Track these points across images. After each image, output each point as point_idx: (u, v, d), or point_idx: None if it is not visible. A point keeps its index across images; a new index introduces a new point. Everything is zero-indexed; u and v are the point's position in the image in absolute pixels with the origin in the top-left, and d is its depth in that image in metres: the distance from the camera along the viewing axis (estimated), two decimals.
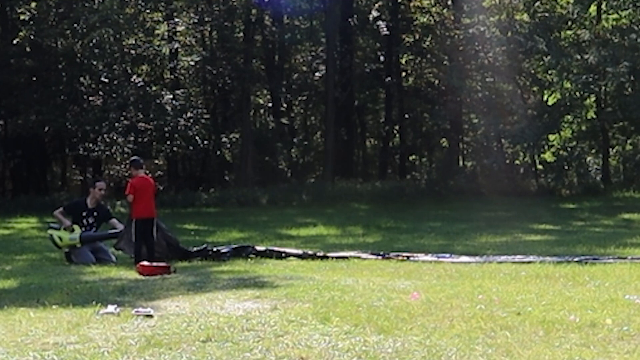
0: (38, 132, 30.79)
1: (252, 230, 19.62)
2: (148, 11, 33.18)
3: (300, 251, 13.15)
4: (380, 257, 12.42)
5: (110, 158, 33.68)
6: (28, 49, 30.80)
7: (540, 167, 34.76)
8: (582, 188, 31.57)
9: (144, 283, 9.82)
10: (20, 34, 30.11)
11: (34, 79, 31.05)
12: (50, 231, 13.14)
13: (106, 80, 30.65)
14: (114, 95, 30.34)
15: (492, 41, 31.86)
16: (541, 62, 31.77)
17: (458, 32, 33.02)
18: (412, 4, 37.59)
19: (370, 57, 39.25)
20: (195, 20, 34.12)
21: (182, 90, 32.87)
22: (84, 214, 13.06)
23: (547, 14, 32.71)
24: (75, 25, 29.52)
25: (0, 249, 14.23)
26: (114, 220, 13.30)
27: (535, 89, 34.94)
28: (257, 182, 32.37)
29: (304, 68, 38.91)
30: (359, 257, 12.42)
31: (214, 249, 13.01)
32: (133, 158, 13.50)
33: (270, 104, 38.86)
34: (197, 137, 32.22)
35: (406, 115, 38.62)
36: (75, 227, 12.87)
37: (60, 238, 12.91)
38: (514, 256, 12.52)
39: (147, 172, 14.13)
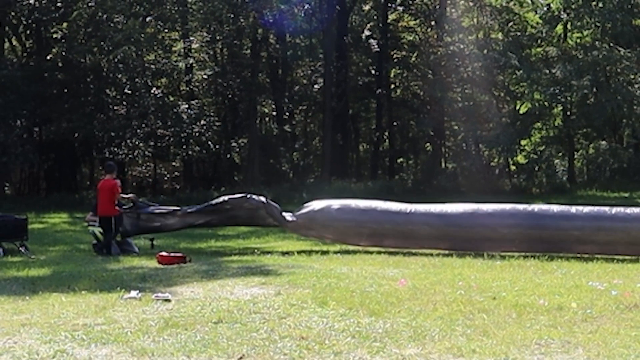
0: (69, 138, 30.77)
1: (257, 225, 19.55)
2: (166, 31, 33.17)
3: None
4: None
5: (133, 161, 33.66)
6: (60, 64, 30.77)
7: (513, 168, 34.79)
8: (550, 187, 31.56)
9: (162, 271, 9.82)
10: (53, 50, 30.08)
11: (65, 90, 31.02)
12: (90, 229, 13.18)
13: (129, 91, 30.63)
14: (136, 105, 30.32)
15: (470, 57, 31.88)
16: (514, 76, 31.81)
17: (440, 49, 33.02)
18: (400, 24, 37.62)
19: (363, 71, 39.24)
20: (208, 39, 34.10)
21: (196, 100, 32.85)
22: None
23: (519, 33, 32.78)
24: (102, 43, 29.50)
25: (36, 241, 14.21)
26: None
27: (508, 99, 34.98)
28: (262, 182, 32.33)
29: (304, 81, 38.89)
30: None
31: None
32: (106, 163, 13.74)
33: (274, 113, 38.85)
34: (209, 142, 32.21)
35: (395, 123, 38.63)
36: None
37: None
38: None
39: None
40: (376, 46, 36.67)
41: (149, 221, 13.09)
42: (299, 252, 12.12)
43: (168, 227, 13.33)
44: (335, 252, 12.11)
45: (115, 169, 13.19)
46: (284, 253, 12.19)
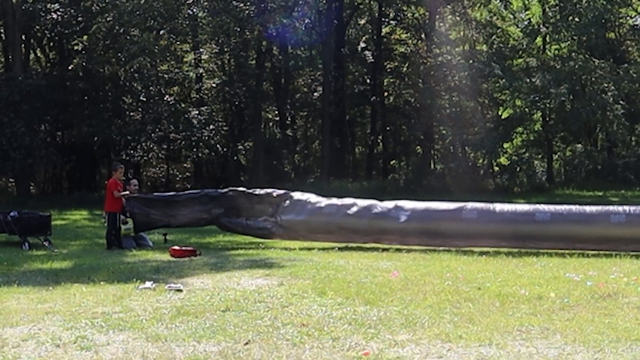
0: (89, 141, 30.74)
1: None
2: (178, 43, 33.15)
3: None
4: None
5: (148, 162, 33.64)
6: (81, 74, 30.73)
7: (496, 169, 34.78)
8: (530, 186, 31.57)
9: (175, 264, 9.82)
10: (74, 61, 30.05)
11: (86, 98, 31.00)
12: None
13: (144, 99, 30.61)
14: (150, 111, 30.29)
15: (457, 67, 31.87)
16: (497, 84, 31.82)
17: (430, 60, 33.03)
18: (392, 37, 37.62)
19: (359, 80, 39.23)
20: (217, 50, 34.06)
21: (205, 107, 32.82)
22: (126, 208, 13.04)
23: (501, 45, 32.78)
24: (119, 54, 29.48)
25: (58, 236, 14.21)
26: None
27: (492, 105, 34.98)
28: (266, 182, 32.20)
29: (305, 89, 38.88)
30: None
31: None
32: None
33: (277, 118, 38.84)
34: (218, 146, 32.18)
35: (388, 127, 38.61)
36: (129, 220, 12.89)
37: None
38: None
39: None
40: (371, 57, 36.67)
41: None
42: (300, 247, 12.13)
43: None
44: (333, 248, 12.11)
45: (118, 168, 13.04)
46: (286, 248, 12.19)
